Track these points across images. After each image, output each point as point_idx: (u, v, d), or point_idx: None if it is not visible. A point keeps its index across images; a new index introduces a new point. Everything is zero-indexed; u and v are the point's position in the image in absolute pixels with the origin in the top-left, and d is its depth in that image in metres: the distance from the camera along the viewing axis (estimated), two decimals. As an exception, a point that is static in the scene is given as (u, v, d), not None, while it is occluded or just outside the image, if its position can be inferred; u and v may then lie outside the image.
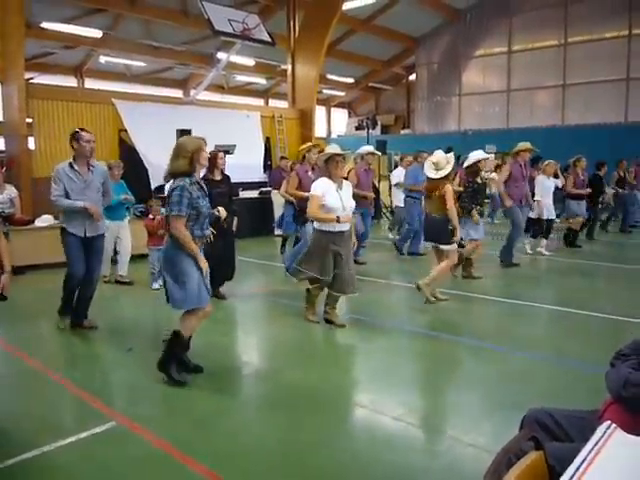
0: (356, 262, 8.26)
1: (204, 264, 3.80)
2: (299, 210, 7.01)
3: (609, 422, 1.64)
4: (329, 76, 24.97)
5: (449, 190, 5.94)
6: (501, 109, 23.50)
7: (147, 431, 3.20)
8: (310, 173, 7.06)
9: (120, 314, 6.17)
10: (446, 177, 5.98)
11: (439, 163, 5.96)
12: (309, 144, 7.82)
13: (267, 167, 14.22)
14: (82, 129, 5.00)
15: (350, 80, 27.63)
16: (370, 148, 8.65)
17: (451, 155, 6.10)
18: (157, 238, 6.59)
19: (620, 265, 8.60)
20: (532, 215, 9.17)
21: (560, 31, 21.28)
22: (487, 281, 7.41)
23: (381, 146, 14.23)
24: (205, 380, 3.99)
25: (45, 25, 16.86)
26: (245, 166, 12.47)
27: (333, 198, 4.99)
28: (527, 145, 8.24)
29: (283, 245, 9.30)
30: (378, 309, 6.13)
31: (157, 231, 6.58)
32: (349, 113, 32.31)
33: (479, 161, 7.13)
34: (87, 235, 4.99)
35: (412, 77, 27.43)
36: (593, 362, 3.96)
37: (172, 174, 3.81)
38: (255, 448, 3.06)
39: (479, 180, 7.17)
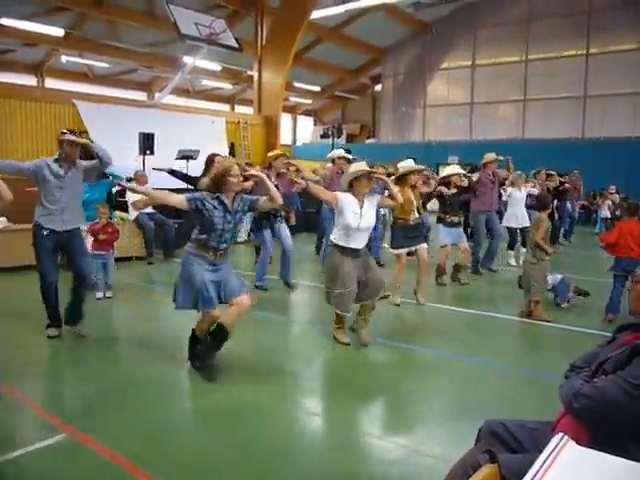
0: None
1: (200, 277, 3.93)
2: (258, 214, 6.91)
3: (562, 434, 1.66)
4: (296, 84, 25.03)
5: None
6: (464, 121, 23.96)
7: (99, 443, 3.09)
8: (274, 179, 6.98)
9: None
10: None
11: None
12: (277, 152, 7.75)
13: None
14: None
15: (317, 88, 27.74)
16: (341, 152, 8.73)
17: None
18: (101, 244, 6.45)
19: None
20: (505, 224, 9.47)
21: (522, 47, 21.87)
22: (448, 290, 7.51)
23: (346, 155, 14.27)
24: (160, 391, 3.91)
25: (4, 21, 16.41)
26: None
27: (352, 215, 4.79)
28: (493, 156, 8.63)
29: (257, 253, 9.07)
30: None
31: (98, 235, 6.43)
32: (315, 121, 32.41)
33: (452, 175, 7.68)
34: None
35: (378, 87, 27.75)
36: (551, 372, 4.03)
37: None
38: (212, 459, 3.00)
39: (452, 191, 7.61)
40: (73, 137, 4.78)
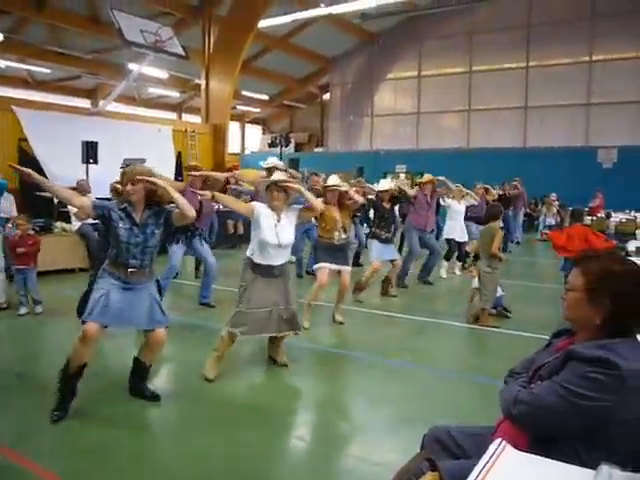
0: None
1: None
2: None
3: (500, 439, 1.69)
4: (244, 92, 24.91)
5: None
6: (411, 130, 24.39)
7: (34, 464, 2.97)
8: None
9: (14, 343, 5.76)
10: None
11: None
12: (192, 164, 7.69)
13: (179, 182, 13.92)
14: None
15: (265, 97, 27.70)
16: (271, 161, 8.09)
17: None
18: (23, 258, 6.19)
19: (521, 283, 9.07)
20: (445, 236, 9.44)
21: (466, 59, 22.49)
22: (397, 300, 7.59)
23: (294, 164, 14.40)
24: (94, 409, 3.76)
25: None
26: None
27: (268, 229, 4.34)
28: (429, 177, 8.61)
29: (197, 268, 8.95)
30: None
31: (16, 248, 6.16)
32: (263, 130, 32.34)
33: (385, 191, 7.43)
34: None
35: (326, 96, 27.95)
36: (498, 377, 4.11)
37: None
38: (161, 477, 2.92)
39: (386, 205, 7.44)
40: None
